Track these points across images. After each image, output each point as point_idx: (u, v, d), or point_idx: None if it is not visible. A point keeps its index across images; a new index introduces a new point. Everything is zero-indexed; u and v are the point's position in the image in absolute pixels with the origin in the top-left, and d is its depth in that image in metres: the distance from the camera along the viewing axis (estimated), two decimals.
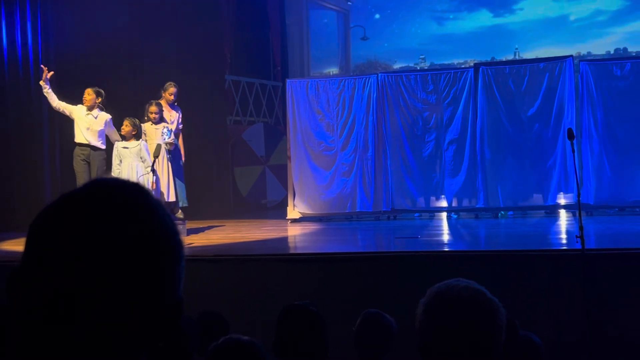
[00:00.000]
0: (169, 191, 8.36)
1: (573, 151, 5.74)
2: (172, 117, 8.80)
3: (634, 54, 12.50)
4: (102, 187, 0.99)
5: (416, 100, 10.08)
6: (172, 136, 8.40)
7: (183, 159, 8.86)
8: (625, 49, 13.21)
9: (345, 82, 10.45)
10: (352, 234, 9.22)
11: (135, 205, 0.97)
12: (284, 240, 9.00)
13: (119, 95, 9.61)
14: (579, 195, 5.69)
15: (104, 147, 8.49)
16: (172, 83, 8.81)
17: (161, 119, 8.48)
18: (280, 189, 12.50)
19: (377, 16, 14.92)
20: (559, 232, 8.45)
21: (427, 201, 10.20)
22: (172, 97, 8.77)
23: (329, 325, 3.06)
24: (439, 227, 9.28)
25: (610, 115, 9.51)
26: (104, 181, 1.01)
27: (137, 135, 8.21)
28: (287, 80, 10.87)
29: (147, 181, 7.90)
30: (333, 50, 15.27)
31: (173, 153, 8.57)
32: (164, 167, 8.37)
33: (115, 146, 8.25)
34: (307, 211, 10.33)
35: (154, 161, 8.02)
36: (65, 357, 0.92)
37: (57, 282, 0.91)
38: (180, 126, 8.92)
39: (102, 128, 8.45)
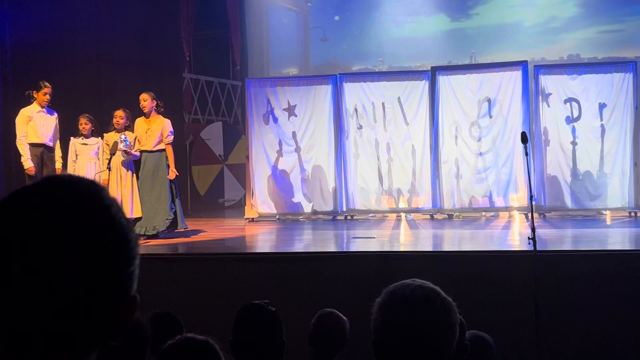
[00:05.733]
0: (133, 206, 7.86)
1: (526, 154, 5.86)
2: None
3: (586, 60, 12.79)
4: (55, 183, 0.98)
5: (374, 102, 10.14)
6: (136, 146, 7.99)
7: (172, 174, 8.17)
8: (578, 55, 13.50)
9: (304, 82, 10.48)
10: (310, 234, 9.25)
11: (89, 201, 0.96)
12: (241, 239, 8.99)
13: (75, 92, 9.46)
14: (531, 197, 5.82)
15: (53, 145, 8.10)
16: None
17: (125, 127, 8.02)
18: (238, 188, 12.46)
19: (337, 18, 14.97)
20: (512, 234, 8.61)
21: (384, 202, 10.28)
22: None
23: (286, 324, 3.08)
24: (394, 228, 9.37)
25: (564, 120, 9.72)
26: (57, 177, 1.00)
27: (95, 132, 8.09)
28: (247, 80, 10.86)
29: (101, 179, 7.80)
30: (293, 51, 15.26)
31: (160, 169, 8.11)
32: (126, 180, 7.92)
33: (71, 142, 8.07)
34: (265, 211, 10.32)
35: (110, 158, 7.90)
36: (16, 355, 0.91)
37: (6, 280, 0.90)
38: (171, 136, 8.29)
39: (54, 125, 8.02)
